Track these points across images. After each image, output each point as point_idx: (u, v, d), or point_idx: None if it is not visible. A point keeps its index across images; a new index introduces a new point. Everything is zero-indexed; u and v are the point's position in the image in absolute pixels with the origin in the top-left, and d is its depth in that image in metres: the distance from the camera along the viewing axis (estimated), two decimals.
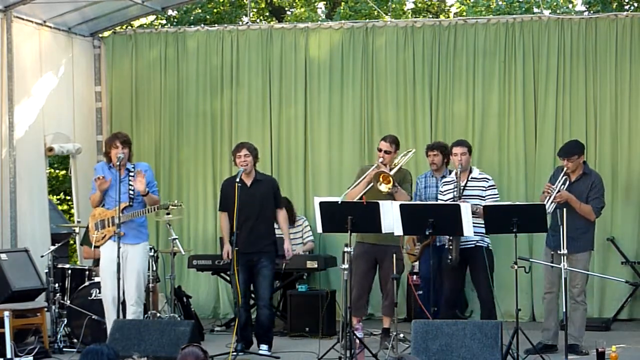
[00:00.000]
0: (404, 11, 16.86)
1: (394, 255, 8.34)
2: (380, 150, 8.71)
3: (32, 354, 8.45)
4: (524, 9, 15.00)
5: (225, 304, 11.03)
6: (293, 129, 11.24)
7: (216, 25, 12.82)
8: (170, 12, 16.27)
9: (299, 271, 10.01)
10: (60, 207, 17.33)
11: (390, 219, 7.83)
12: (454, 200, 8.23)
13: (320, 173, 11.16)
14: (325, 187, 10.99)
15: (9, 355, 7.95)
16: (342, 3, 17.31)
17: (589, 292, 10.21)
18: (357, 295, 8.53)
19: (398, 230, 7.91)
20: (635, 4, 15.98)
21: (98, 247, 8.47)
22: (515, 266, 7.67)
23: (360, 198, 8.31)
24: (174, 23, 16.68)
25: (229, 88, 11.38)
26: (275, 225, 10.39)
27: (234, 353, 8.33)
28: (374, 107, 11.09)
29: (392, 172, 8.46)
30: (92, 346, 4.85)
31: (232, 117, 11.33)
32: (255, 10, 17.96)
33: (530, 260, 8.55)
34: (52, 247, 9.38)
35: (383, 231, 7.97)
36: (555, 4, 15.51)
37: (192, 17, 16.72)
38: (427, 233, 7.85)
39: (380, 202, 7.95)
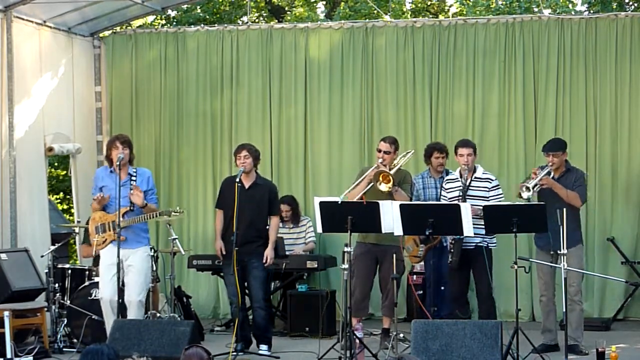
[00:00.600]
0: (403, 11, 16.86)
1: (394, 255, 8.34)
2: (379, 150, 8.70)
3: (32, 354, 8.45)
4: (523, 8, 15.00)
5: (225, 304, 11.02)
6: (293, 129, 11.24)
7: (216, 25, 12.81)
8: (169, 12, 16.27)
9: (299, 271, 10.01)
10: (59, 207, 17.34)
11: (390, 219, 7.83)
12: (459, 200, 8.24)
13: (320, 173, 11.16)
14: (325, 187, 10.99)
15: (9, 355, 7.95)
16: (342, 3, 17.32)
17: (588, 292, 10.26)
18: (360, 296, 8.53)
19: (398, 230, 7.90)
20: (635, 4, 15.98)
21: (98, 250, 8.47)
22: (515, 266, 7.67)
23: (360, 198, 8.31)
24: (174, 23, 16.68)
25: (229, 88, 11.38)
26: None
27: (234, 353, 8.33)
28: (374, 107, 11.10)
29: (393, 170, 8.46)
30: (92, 346, 4.85)
31: (232, 117, 11.33)
32: (254, 10, 17.94)
33: (530, 260, 8.54)
34: (52, 247, 9.38)
35: (383, 231, 7.96)
36: (555, 4, 15.51)
37: (191, 18, 16.71)
38: (427, 233, 7.85)
39: (380, 202, 7.95)
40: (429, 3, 18.43)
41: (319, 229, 8.16)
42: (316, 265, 9.90)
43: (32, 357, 8.32)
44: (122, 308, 8.20)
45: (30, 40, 10.34)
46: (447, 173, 9.35)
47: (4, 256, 9.00)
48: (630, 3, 16.08)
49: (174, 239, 9.41)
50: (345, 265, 7.73)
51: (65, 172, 16.77)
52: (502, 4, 15.95)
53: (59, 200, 18.23)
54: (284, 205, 10.40)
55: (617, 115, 10.57)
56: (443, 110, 10.96)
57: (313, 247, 10.51)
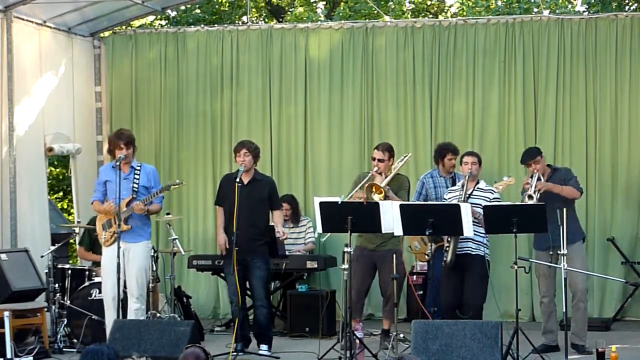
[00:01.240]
0: (403, 11, 16.86)
1: (394, 258, 8.33)
2: (373, 159, 8.71)
3: (32, 354, 8.44)
4: (523, 9, 15.00)
5: (225, 304, 11.02)
6: (293, 129, 11.25)
7: (216, 25, 12.82)
8: (169, 12, 16.26)
9: (299, 271, 10.01)
10: (58, 205, 17.35)
11: (390, 219, 7.82)
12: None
13: (320, 173, 11.16)
14: (325, 187, 10.99)
15: (9, 355, 7.94)
16: (342, 3, 17.31)
17: (589, 292, 10.23)
18: (355, 297, 8.51)
19: (398, 231, 7.90)
20: (636, 4, 15.97)
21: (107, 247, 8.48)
22: (515, 266, 7.66)
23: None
24: (174, 23, 16.68)
25: (229, 88, 11.38)
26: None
27: (234, 353, 8.33)
28: (374, 107, 11.10)
29: (385, 181, 8.46)
30: (92, 346, 4.85)
31: (232, 117, 11.34)
32: (254, 10, 17.94)
33: (530, 260, 8.54)
34: (52, 247, 9.38)
35: (383, 231, 7.96)
36: (554, 4, 15.51)
37: (191, 18, 16.71)
38: (427, 233, 7.84)
39: (380, 202, 7.95)
40: (429, 3, 18.42)
41: (319, 229, 8.17)
42: (316, 266, 9.90)
43: (32, 357, 8.32)
44: (123, 306, 8.21)
45: (30, 40, 10.35)
46: (457, 175, 9.31)
47: (4, 256, 9.00)
48: (630, 3, 16.06)
49: (174, 239, 9.42)
50: (345, 266, 7.73)
51: (64, 171, 16.79)
52: (501, 4, 15.95)
53: (58, 200, 18.24)
54: (284, 203, 10.40)
55: (617, 115, 10.57)
56: (443, 110, 10.96)
57: (313, 248, 10.52)
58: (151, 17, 16.43)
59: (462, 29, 10.96)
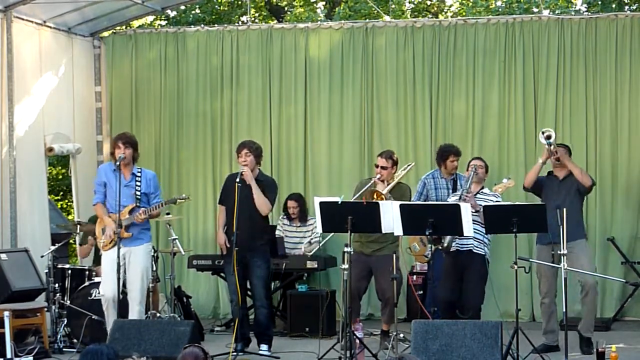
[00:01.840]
0: (403, 11, 16.87)
1: (392, 259, 8.33)
2: (377, 166, 8.73)
3: (32, 354, 8.44)
4: (523, 9, 15.00)
5: (225, 304, 11.02)
6: (293, 129, 11.25)
7: (216, 25, 12.82)
8: (169, 12, 16.28)
9: (299, 271, 10.01)
10: (58, 205, 17.36)
11: (390, 219, 7.82)
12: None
13: (320, 173, 11.16)
14: (325, 187, 10.99)
15: (9, 355, 7.94)
16: (342, 3, 17.31)
17: None
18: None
19: (398, 231, 7.90)
20: (636, 5, 15.98)
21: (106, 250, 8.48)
22: (515, 266, 7.66)
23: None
24: (173, 23, 16.68)
25: (229, 88, 11.38)
26: (278, 227, 10.45)
27: (234, 353, 8.33)
28: (374, 107, 11.10)
29: (387, 189, 8.47)
30: (91, 346, 4.85)
31: (232, 117, 11.34)
32: (253, 10, 17.94)
33: (530, 260, 8.54)
34: (52, 247, 9.38)
35: (383, 231, 7.96)
36: (554, 4, 15.51)
37: (190, 17, 16.72)
38: (427, 233, 7.84)
39: (380, 202, 7.96)
40: (428, 3, 18.43)
41: (319, 229, 8.17)
42: (316, 266, 9.90)
43: (32, 357, 8.31)
44: (122, 306, 8.21)
45: (30, 40, 10.34)
46: (458, 176, 9.31)
47: (4, 256, 8.99)
48: (630, 3, 16.07)
49: (174, 239, 9.42)
50: (345, 266, 7.73)
51: (64, 170, 16.79)
52: (501, 4, 15.96)
53: (57, 199, 18.25)
54: (291, 201, 10.42)
55: (617, 115, 10.57)
56: (443, 110, 10.96)
57: (317, 248, 10.46)
58: (151, 17, 16.44)
59: (462, 29, 10.96)
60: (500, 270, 9.26)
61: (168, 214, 9.78)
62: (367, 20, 13.53)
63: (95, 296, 8.91)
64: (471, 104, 10.88)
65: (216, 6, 17.49)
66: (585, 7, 15.98)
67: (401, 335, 8.57)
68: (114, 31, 11.75)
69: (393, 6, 16.16)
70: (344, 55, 11.15)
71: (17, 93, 9.92)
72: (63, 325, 9.03)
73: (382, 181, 8.59)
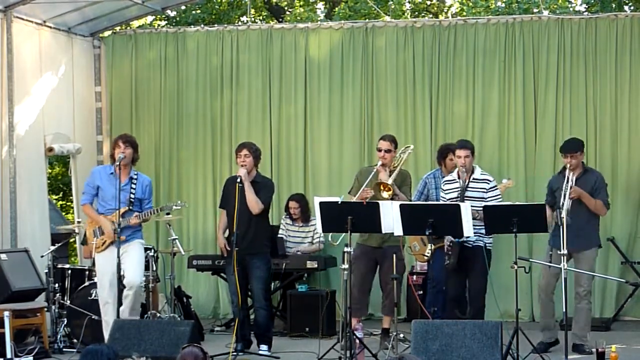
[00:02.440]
0: (403, 11, 16.87)
1: (395, 255, 8.33)
2: (380, 150, 8.68)
3: (32, 354, 8.44)
4: (523, 9, 15.00)
5: (225, 304, 11.03)
6: (293, 129, 11.25)
7: (216, 25, 12.82)
8: (169, 12, 16.28)
9: (299, 271, 10.01)
10: (57, 204, 17.36)
11: (390, 219, 7.82)
12: (457, 201, 8.21)
13: (320, 173, 11.16)
14: (325, 187, 10.99)
15: (9, 355, 7.94)
16: (342, 3, 17.31)
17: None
18: (358, 295, 8.52)
19: (398, 231, 7.90)
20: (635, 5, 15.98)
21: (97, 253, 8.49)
22: (515, 266, 7.66)
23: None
24: (173, 23, 16.68)
25: (229, 88, 11.38)
26: (281, 227, 10.45)
27: (234, 353, 8.33)
28: (374, 107, 11.10)
29: (392, 177, 8.45)
30: (91, 346, 4.86)
31: (232, 117, 11.33)
32: (253, 9, 17.94)
33: (530, 260, 8.54)
34: (52, 247, 9.38)
35: (383, 231, 7.96)
36: (554, 4, 15.51)
37: (190, 17, 16.72)
38: (427, 233, 7.84)
39: (380, 202, 7.96)
40: (428, 3, 18.43)
41: (319, 229, 8.17)
42: (316, 265, 9.90)
43: (32, 357, 8.31)
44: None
45: (30, 40, 10.34)
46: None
47: (4, 256, 9.00)
48: (630, 4, 16.07)
49: (174, 239, 9.42)
50: (345, 265, 7.73)
51: (64, 169, 16.79)
52: (501, 4, 15.95)
53: (57, 199, 18.25)
54: (292, 202, 10.41)
55: (617, 115, 10.57)
56: (443, 110, 10.96)
57: (319, 249, 10.42)
58: (151, 17, 16.44)
59: (462, 29, 10.96)
60: (500, 270, 9.25)
61: (168, 214, 9.75)
62: (367, 20, 13.53)
63: (95, 296, 8.90)
64: (471, 103, 10.88)
65: (216, 6, 17.48)
66: (585, 7, 15.97)
67: (401, 335, 8.57)
68: (114, 31, 11.75)
69: (393, 6, 16.17)
70: (344, 55, 11.15)
71: (17, 93, 9.92)
72: (63, 325, 9.04)
73: (384, 166, 8.55)
